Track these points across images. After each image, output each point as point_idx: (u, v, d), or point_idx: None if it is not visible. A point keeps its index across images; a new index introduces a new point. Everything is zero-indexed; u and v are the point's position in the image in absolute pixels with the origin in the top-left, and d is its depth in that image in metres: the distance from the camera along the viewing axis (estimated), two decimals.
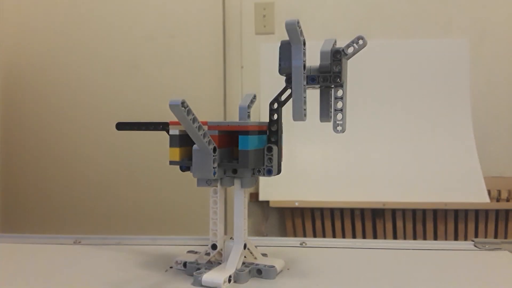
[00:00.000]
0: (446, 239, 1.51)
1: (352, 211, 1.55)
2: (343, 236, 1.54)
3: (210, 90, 1.73)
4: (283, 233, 1.67)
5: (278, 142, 0.56)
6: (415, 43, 1.64)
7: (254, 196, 1.61)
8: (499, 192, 1.52)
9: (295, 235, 1.59)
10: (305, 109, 0.52)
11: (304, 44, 0.52)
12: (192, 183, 0.58)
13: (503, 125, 1.64)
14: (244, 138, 0.53)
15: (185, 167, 0.56)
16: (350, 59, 0.56)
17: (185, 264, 0.58)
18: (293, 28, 0.50)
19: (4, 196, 1.83)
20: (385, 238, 1.52)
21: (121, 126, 0.62)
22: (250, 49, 1.73)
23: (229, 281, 0.53)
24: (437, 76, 1.61)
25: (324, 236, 1.55)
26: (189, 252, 0.63)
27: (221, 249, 0.58)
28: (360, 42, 0.54)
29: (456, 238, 1.51)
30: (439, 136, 1.58)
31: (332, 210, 1.55)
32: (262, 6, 1.72)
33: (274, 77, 0.62)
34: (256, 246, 0.60)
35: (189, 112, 0.46)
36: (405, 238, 1.52)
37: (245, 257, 0.58)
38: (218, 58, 1.74)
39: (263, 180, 1.55)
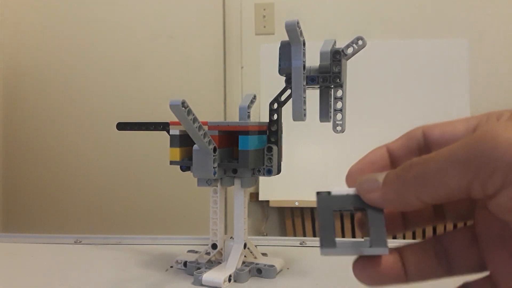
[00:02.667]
0: None
1: (351, 211, 1.55)
2: (343, 236, 1.53)
3: (210, 90, 1.73)
4: (283, 232, 1.67)
5: (278, 142, 0.56)
6: (414, 43, 1.64)
7: (254, 196, 1.62)
8: None
9: (295, 235, 1.59)
10: (304, 109, 0.52)
11: (304, 44, 0.52)
12: (192, 183, 0.58)
13: None
14: (244, 138, 0.53)
15: (185, 167, 0.56)
16: (350, 59, 0.56)
17: (185, 264, 0.58)
18: (293, 29, 0.50)
19: (5, 196, 1.84)
20: None
21: (121, 126, 0.62)
22: (250, 49, 1.73)
23: (229, 280, 0.53)
24: (437, 76, 1.61)
25: None
26: (189, 251, 0.63)
27: (221, 249, 0.58)
28: (360, 42, 0.55)
29: None
30: None
31: None
32: (262, 6, 1.72)
33: (274, 77, 0.63)
34: (256, 246, 0.61)
35: (189, 112, 0.46)
36: (404, 238, 1.52)
37: (245, 256, 0.58)
38: (218, 58, 1.74)
39: (263, 180, 1.55)
